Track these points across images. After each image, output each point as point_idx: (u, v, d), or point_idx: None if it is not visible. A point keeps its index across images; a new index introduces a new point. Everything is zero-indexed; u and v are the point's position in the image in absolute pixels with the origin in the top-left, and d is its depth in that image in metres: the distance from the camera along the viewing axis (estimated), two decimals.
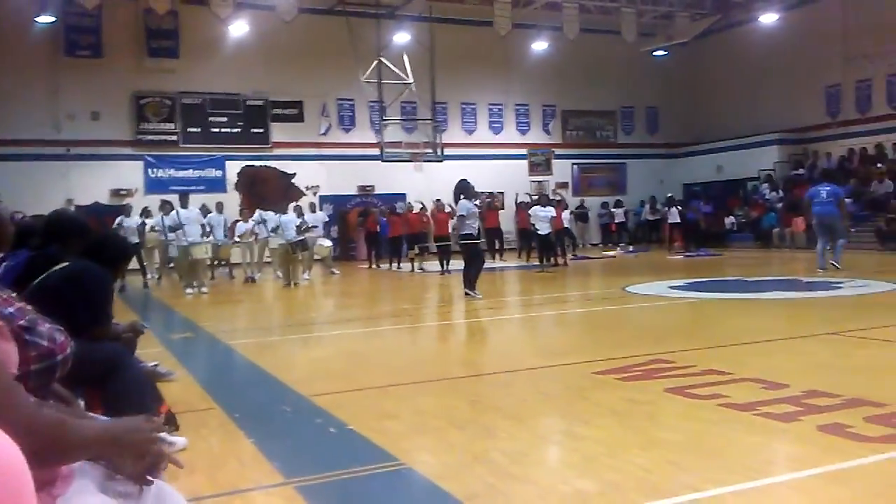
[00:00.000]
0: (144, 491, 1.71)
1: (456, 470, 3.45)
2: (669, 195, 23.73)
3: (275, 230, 15.74)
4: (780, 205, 22.51)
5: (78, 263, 3.75)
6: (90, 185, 20.94)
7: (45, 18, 20.03)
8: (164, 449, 1.67)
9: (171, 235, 14.12)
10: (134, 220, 15.69)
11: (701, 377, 5.12)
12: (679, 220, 21.68)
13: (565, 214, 19.63)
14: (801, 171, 24.07)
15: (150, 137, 22.04)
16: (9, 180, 18.99)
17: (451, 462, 3.57)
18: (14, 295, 2.05)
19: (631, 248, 23.96)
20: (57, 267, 3.72)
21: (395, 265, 18.98)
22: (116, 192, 21.38)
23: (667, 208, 22.87)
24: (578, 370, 5.60)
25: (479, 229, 11.90)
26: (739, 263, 17.20)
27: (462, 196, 11.31)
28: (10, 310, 1.94)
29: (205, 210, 15.57)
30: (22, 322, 1.93)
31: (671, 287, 11.71)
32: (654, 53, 26.54)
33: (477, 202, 12.25)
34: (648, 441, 3.78)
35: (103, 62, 21.11)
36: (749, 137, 25.34)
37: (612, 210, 26.77)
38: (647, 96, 28.30)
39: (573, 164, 27.74)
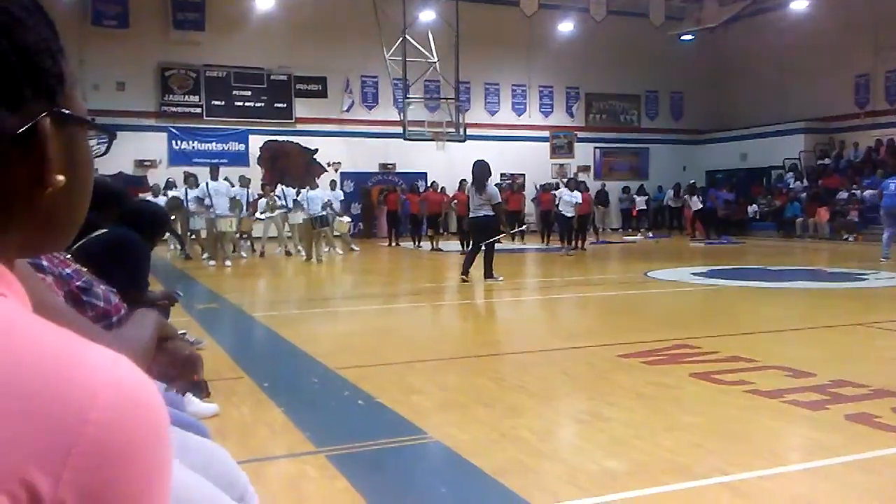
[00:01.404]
0: (190, 450, 1.75)
1: (485, 445, 3.48)
2: (692, 182, 23.53)
3: (296, 205, 15.77)
4: (804, 194, 22.28)
5: (116, 230, 3.79)
6: (114, 155, 20.79)
7: None
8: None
9: (195, 207, 14.21)
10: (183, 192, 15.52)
11: (726, 363, 5.13)
12: (700, 208, 21.53)
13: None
14: (826, 160, 23.80)
15: (175, 109, 22.12)
16: None
17: (479, 438, 3.61)
18: (69, 257, 2.10)
19: (651, 234, 23.86)
20: (95, 233, 3.78)
21: (417, 243, 19.12)
22: (140, 164, 21.53)
23: (688, 196, 22.68)
24: (602, 353, 5.61)
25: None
26: (761, 252, 17.08)
27: (487, 180, 10.78)
28: (68, 271, 1.98)
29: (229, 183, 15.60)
30: (79, 283, 1.98)
31: (693, 273, 11.68)
32: (681, 38, 26.21)
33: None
34: (675, 424, 3.80)
35: (129, 33, 21.15)
36: (775, 125, 25.03)
37: (634, 196, 26.52)
38: (673, 81, 27.99)
39: (595, 147, 27.55)
